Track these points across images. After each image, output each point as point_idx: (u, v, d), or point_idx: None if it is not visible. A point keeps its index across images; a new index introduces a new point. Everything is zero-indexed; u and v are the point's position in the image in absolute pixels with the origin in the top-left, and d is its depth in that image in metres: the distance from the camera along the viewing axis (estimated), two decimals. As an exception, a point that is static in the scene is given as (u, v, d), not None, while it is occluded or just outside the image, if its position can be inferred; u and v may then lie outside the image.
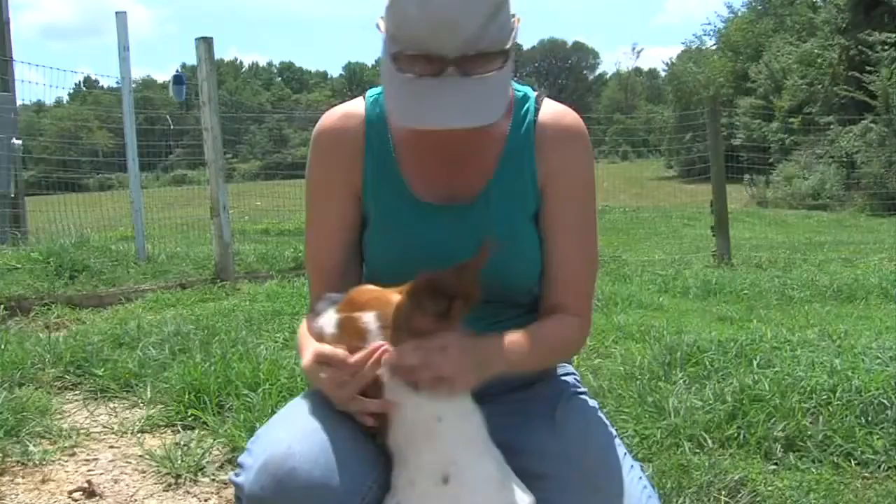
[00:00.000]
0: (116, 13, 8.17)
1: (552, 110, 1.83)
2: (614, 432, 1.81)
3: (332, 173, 1.81)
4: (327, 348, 1.57)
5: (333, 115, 1.87)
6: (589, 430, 1.76)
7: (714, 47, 50.70)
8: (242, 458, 1.60)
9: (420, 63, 1.56)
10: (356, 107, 1.87)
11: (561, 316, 1.81)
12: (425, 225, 1.79)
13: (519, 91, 1.85)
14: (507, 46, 1.58)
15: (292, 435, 1.57)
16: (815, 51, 32.11)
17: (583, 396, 1.91)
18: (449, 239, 1.75)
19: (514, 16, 1.64)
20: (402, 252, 1.80)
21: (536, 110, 1.82)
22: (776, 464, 2.94)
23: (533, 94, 1.85)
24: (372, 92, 1.88)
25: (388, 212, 1.82)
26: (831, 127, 25.91)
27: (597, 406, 1.90)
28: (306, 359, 1.62)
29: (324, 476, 1.51)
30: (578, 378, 1.98)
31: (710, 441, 3.06)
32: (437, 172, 1.77)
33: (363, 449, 1.58)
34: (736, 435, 3.09)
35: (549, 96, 1.85)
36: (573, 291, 1.83)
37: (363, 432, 1.58)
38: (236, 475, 1.58)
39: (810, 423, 3.13)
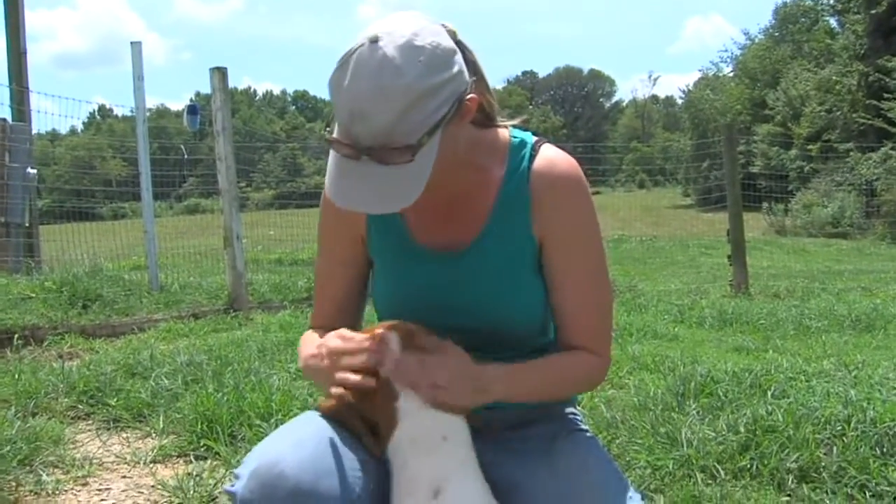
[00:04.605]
0: (132, 43, 8.17)
1: (547, 157, 1.81)
2: (616, 466, 1.79)
3: (338, 216, 1.85)
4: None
5: None
6: (586, 468, 1.72)
7: (731, 74, 50.81)
8: (237, 469, 1.63)
9: (342, 146, 1.59)
10: None
11: (578, 352, 1.81)
12: (420, 269, 1.82)
13: (516, 137, 1.84)
14: (414, 142, 1.57)
15: (284, 444, 1.62)
16: (834, 77, 32.16)
17: (582, 432, 1.89)
18: (442, 285, 1.77)
19: (460, 95, 1.61)
20: (395, 294, 1.87)
21: (532, 157, 1.81)
22: (789, 495, 2.90)
23: (531, 141, 1.84)
24: None
25: (388, 255, 1.88)
26: (850, 154, 25.87)
27: (598, 441, 1.88)
28: (307, 352, 1.81)
29: (312, 481, 1.55)
30: (580, 416, 1.97)
31: (722, 472, 3.03)
32: (434, 218, 1.79)
33: (355, 458, 1.62)
34: (749, 466, 3.06)
35: (556, 136, 1.84)
36: (588, 335, 1.82)
37: (357, 443, 1.64)
38: (231, 485, 1.62)
39: (824, 454, 3.09)
